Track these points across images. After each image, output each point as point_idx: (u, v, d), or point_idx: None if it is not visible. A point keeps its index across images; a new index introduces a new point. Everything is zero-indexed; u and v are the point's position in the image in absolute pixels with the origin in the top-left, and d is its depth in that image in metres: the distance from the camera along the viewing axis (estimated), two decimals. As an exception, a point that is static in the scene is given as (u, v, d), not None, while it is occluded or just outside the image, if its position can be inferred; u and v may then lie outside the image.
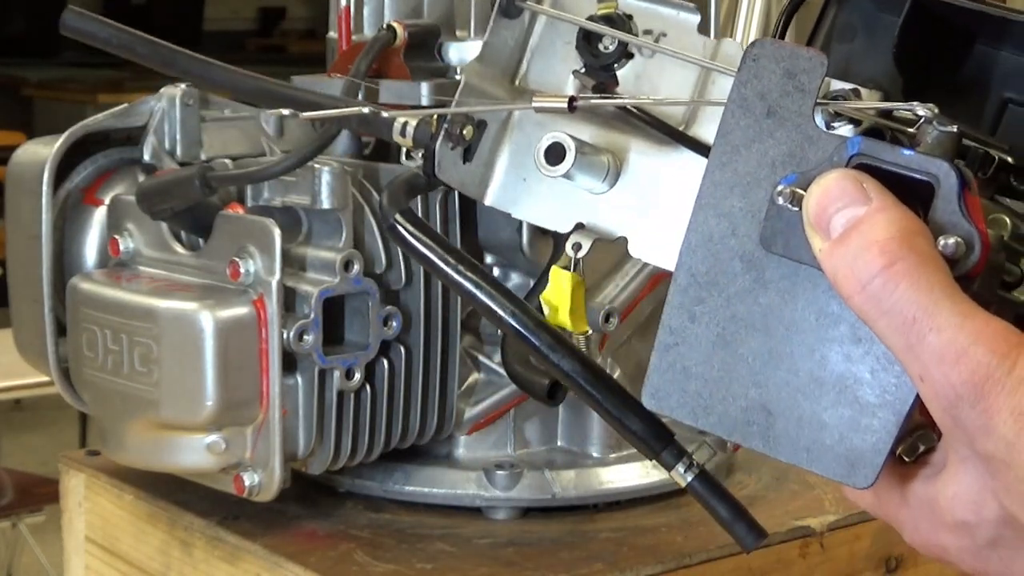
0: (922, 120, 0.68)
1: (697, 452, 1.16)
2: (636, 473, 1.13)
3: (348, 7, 1.11)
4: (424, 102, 1.06)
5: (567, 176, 0.81)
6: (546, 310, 0.86)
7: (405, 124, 0.88)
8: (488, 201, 0.86)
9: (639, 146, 0.83)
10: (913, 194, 0.65)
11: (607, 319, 1.12)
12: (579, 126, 0.83)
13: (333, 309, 1.04)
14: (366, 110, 0.90)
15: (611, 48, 0.85)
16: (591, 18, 0.85)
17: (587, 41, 0.85)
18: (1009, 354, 0.62)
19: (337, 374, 1.04)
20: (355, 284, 1.03)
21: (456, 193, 1.07)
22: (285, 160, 1.02)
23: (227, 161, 1.11)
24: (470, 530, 1.08)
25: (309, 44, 8.38)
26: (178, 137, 1.13)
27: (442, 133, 0.86)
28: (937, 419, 0.64)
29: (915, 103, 0.68)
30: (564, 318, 0.86)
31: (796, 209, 0.67)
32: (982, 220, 0.64)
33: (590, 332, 0.88)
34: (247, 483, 1.04)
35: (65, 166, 1.12)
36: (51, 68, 7.32)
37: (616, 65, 0.85)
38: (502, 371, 1.10)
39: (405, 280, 1.06)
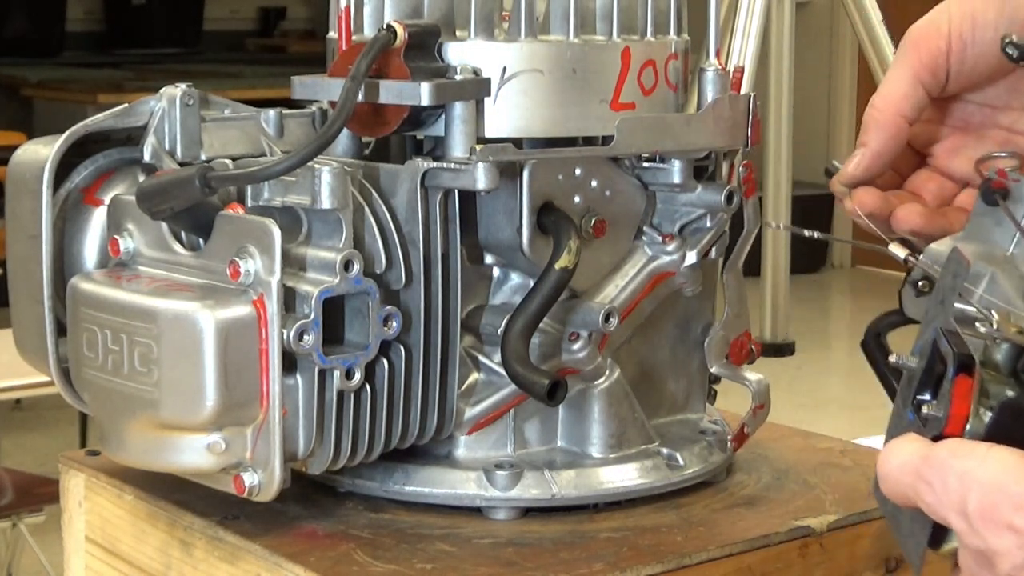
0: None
1: (698, 448, 1.16)
2: (636, 473, 1.13)
3: (348, 7, 1.11)
4: (424, 102, 1.06)
5: None
6: None
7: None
8: None
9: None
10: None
11: (607, 319, 1.12)
12: None
13: (333, 309, 1.04)
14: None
15: None
16: None
17: None
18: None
19: (337, 374, 1.04)
20: (355, 284, 1.03)
21: (456, 193, 1.07)
22: (285, 160, 1.02)
23: (227, 161, 1.11)
24: (470, 530, 1.08)
25: (309, 44, 8.37)
26: (178, 137, 1.13)
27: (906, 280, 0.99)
28: None
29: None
30: None
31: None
32: (965, 400, 0.81)
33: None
34: (247, 483, 1.04)
35: (65, 166, 1.12)
36: (51, 68, 7.31)
37: None
38: (502, 371, 1.10)
39: (405, 280, 1.06)
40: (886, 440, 0.86)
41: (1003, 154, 1.06)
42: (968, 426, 0.80)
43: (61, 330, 1.12)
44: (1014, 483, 0.76)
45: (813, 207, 7.94)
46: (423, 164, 1.06)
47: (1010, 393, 0.80)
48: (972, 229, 1.01)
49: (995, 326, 0.83)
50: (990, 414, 0.80)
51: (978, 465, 0.77)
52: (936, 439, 0.80)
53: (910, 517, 0.84)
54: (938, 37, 1.06)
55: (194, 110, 1.14)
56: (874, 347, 1.05)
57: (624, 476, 1.13)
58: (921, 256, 1.00)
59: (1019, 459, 0.76)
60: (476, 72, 1.08)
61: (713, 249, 1.18)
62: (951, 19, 1.06)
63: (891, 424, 0.89)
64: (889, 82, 1.08)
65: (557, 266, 1.08)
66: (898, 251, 0.94)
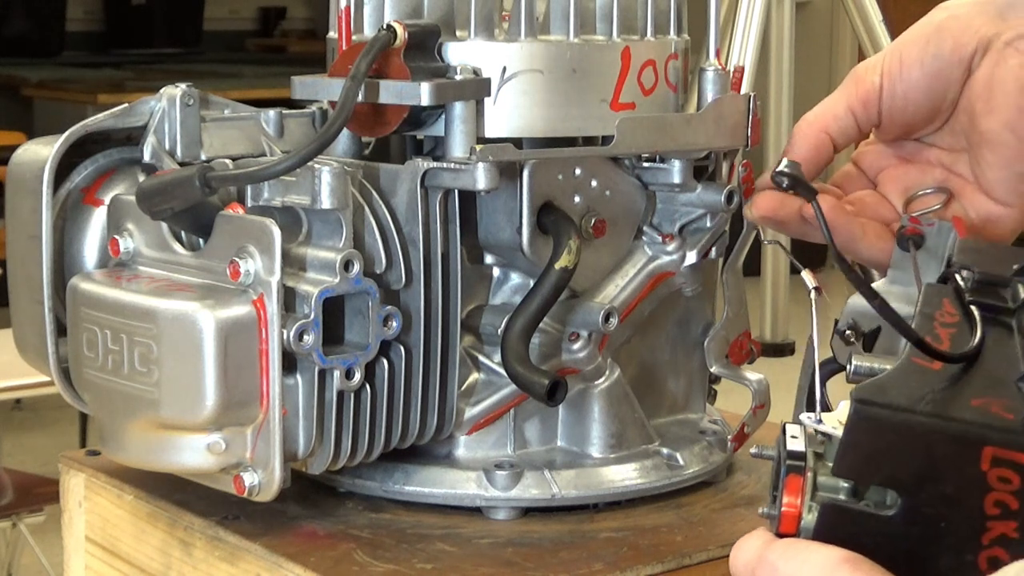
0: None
1: (698, 448, 1.16)
2: (636, 473, 1.13)
3: (348, 7, 1.11)
4: (424, 102, 1.06)
5: None
6: None
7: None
8: None
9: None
10: None
11: (607, 319, 1.12)
12: None
13: (333, 309, 1.04)
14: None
15: None
16: None
17: None
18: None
19: (337, 374, 1.04)
20: (355, 284, 1.03)
21: (456, 193, 1.07)
22: (285, 160, 1.02)
23: (227, 161, 1.11)
24: (470, 530, 1.08)
25: (309, 44, 8.38)
26: (178, 137, 1.13)
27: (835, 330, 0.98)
28: None
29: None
30: None
31: None
32: (795, 496, 0.80)
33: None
34: (247, 483, 1.04)
35: (65, 166, 1.12)
36: (51, 68, 7.31)
37: None
38: (502, 371, 1.10)
39: (405, 280, 1.06)
40: None
41: (929, 190, 1.13)
42: (803, 522, 0.80)
43: (61, 330, 1.12)
44: None
45: (813, 207, 7.97)
46: (423, 164, 1.06)
47: (844, 484, 0.81)
48: (895, 273, 1.05)
49: (818, 417, 0.83)
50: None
51: (800, 568, 0.79)
52: (778, 535, 0.82)
53: None
54: (874, 73, 1.14)
55: (194, 110, 1.14)
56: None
57: (624, 476, 1.13)
58: (844, 308, 1.02)
59: (838, 560, 0.78)
60: (476, 72, 1.08)
61: (713, 249, 1.18)
62: (885, 58, 1.14)
63: None
64: (822, 104, 1.16)
65: (557, 266, 1.08)
66: (809, 279, 0.94)
